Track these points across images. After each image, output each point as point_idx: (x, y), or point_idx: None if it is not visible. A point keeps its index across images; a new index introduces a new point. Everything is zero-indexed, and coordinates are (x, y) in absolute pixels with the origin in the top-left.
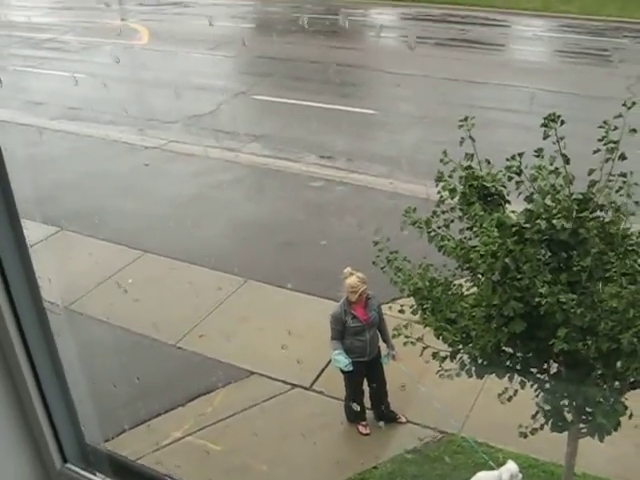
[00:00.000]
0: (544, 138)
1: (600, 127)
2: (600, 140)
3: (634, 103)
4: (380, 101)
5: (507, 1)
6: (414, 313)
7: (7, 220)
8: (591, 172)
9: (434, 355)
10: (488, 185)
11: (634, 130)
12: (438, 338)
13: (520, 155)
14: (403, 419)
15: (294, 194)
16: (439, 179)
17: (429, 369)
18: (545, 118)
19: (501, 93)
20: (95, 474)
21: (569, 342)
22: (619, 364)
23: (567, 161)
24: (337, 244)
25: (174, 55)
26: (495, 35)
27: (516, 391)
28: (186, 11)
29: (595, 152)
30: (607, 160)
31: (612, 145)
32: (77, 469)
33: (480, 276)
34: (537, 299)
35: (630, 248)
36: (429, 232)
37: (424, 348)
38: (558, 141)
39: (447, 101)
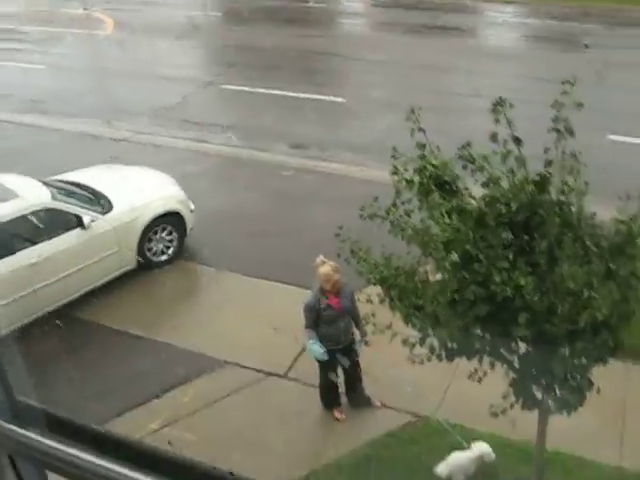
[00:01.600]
0: (495, 122)
1: (552, 106)
2: (554, 120)
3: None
4: (350, 89)
5: None
6: (382, 302)
7: None
8: (546, 151)
9: (404, 342)
10: (441, 174)
11: (580, 104)
12: (407, 324)
13: (469, 144)
14: (378, 404)
15: (265, 184)
16: (394, 173)
17: (404, 353)
18: (493, 103)
19: (471, 79)
20: (27, 429)
21: (529, 327)
22: (580, 344)
23: (520, 143)
24: (309, 233)
25: (140, 45)
26: (466, 22)
27: (485, 372)
28: (151, 0)
29: (550, 131)
30: (559, 139)
31: (563, 123)
32: (5, 424)
33: (442, 262)
34: (493, 287)
35: (586, 229)
36: (391, 222)
37: (393, 335)
38: (509, 124)
39: (417, 87)
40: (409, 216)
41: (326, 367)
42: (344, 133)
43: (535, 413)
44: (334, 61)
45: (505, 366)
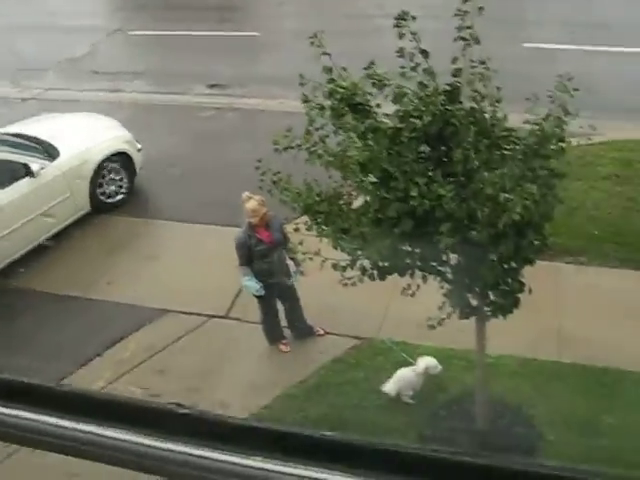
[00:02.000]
0: (400, 37)
1: (456, 15)
2: (458, 29)
3: None
4: (263, 22)
5: None
6: (309, 229)
7: None
8: (454, 61)
9: (334, 266)
10: (352, 95)
11: (482, 7)
12: (336, 248)
13: (373, 64)
14: (321, 331)
15: (185, 127)
16: (304, 101)
17: (338, 279)
18: (396, 18)
19: (384, 0)
20: None
21: (453, 236)
22: (505, 247)
23: (427, 55)
24: (233, 171)
25: None
26: None
27: (418, 286)
28: None
29: (457, 39)
30: (465, 47)
31: (469, 30)
32: None
33: (362, 183)
34: (411, 202)
35: (500, 134)
36: (307, 150)
37: (323, 261)
38: (414, 37)
39: (331, 14)
40: (324, 142)
41: (265, 302)
42: (262, 67)
43: (473, 321)
44: None
45: (439, 278)
